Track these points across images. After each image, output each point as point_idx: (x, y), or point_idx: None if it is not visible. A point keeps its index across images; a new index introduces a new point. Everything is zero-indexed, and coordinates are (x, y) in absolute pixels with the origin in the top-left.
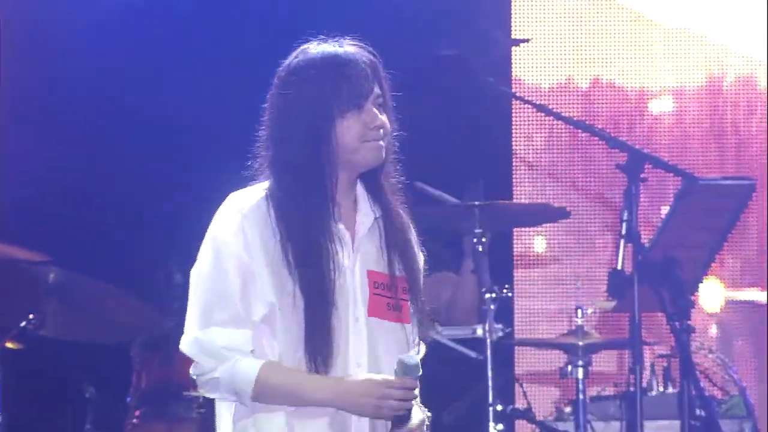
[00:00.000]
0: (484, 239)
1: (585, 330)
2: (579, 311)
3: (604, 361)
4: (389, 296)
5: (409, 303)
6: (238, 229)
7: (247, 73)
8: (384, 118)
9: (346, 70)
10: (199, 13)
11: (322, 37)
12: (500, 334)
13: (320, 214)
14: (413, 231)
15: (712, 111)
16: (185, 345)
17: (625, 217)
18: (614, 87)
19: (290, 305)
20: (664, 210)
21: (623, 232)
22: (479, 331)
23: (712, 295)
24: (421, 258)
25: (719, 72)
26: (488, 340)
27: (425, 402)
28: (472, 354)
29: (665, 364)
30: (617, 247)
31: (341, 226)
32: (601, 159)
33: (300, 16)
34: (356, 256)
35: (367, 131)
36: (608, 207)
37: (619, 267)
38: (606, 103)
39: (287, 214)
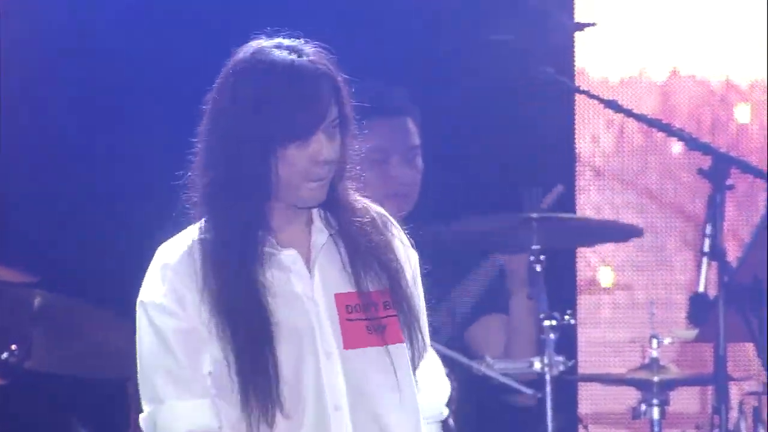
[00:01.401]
0: (542, 257)
1: (661, 363)
2: (654, 341)
3: (684, 400)
4: (367, 318)
5: (397, 317)
6: (169, 288)
7: None
8: (335, 145)
9: (297, 92)
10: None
11: (281, 33)
12: (561, 368)
13: (252, 249)
14: (397, 231)
15: None
16: (141, 422)
17: (708, 232)
18: (695, 80)
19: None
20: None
21: (706, 249)
22: (537, 365)
23: None
24: (413, 257)
25: None
26: (548, 375)
27: None
28: (529, 391)
29: (755, 404)
30: (699, 267)
31: (289, 252)
32: (680, 163)
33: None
34: (313, 281)
35: (310, 168)
36: (688, 220)
37: (701, 290)
38: (686, 99)
39: (213, 254)
